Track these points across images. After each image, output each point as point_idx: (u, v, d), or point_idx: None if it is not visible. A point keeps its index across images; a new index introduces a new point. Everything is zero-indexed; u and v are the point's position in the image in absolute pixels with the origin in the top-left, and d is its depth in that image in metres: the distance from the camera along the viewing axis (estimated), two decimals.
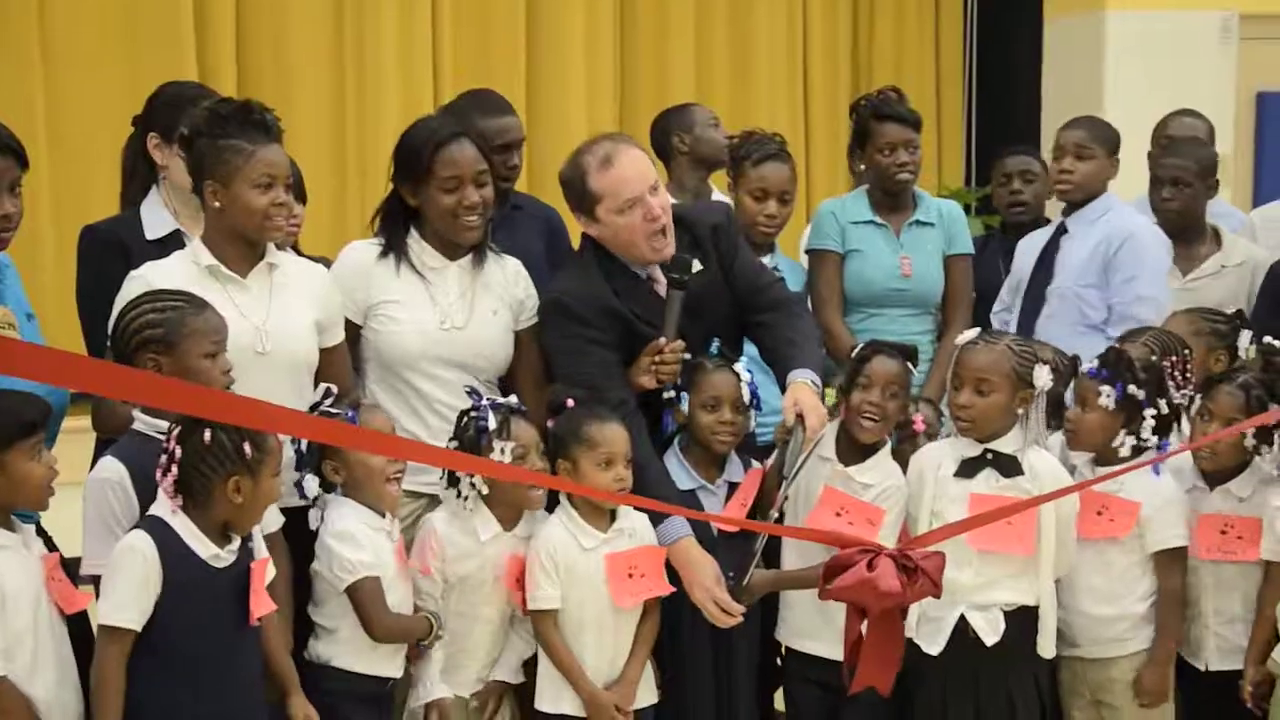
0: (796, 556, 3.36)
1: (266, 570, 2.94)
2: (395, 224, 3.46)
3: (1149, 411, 3.33)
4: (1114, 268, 4.20)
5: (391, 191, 3.48)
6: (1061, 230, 4.33)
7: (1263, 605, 3.36)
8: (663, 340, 3.33)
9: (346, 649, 3.08)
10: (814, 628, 3.36)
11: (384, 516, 3.12)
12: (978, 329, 3.47)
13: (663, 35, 6.73)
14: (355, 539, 3.05)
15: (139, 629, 2.73)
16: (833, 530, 3.17)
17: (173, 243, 3.37)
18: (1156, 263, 4.25)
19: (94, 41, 5.84)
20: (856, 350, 3.41)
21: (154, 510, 2.82)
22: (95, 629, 2.81)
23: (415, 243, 3.43)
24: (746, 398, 3.35)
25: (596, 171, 3.32)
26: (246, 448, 2.79)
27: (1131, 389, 3.32)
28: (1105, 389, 3.32)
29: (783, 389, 3.33)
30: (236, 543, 2.87)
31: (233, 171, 3.11)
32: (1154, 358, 3.45)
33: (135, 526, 2.81)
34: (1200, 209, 4.45)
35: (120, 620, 2.73)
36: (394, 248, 3.43)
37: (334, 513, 3.09)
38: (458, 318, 3.41)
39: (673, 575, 3.25)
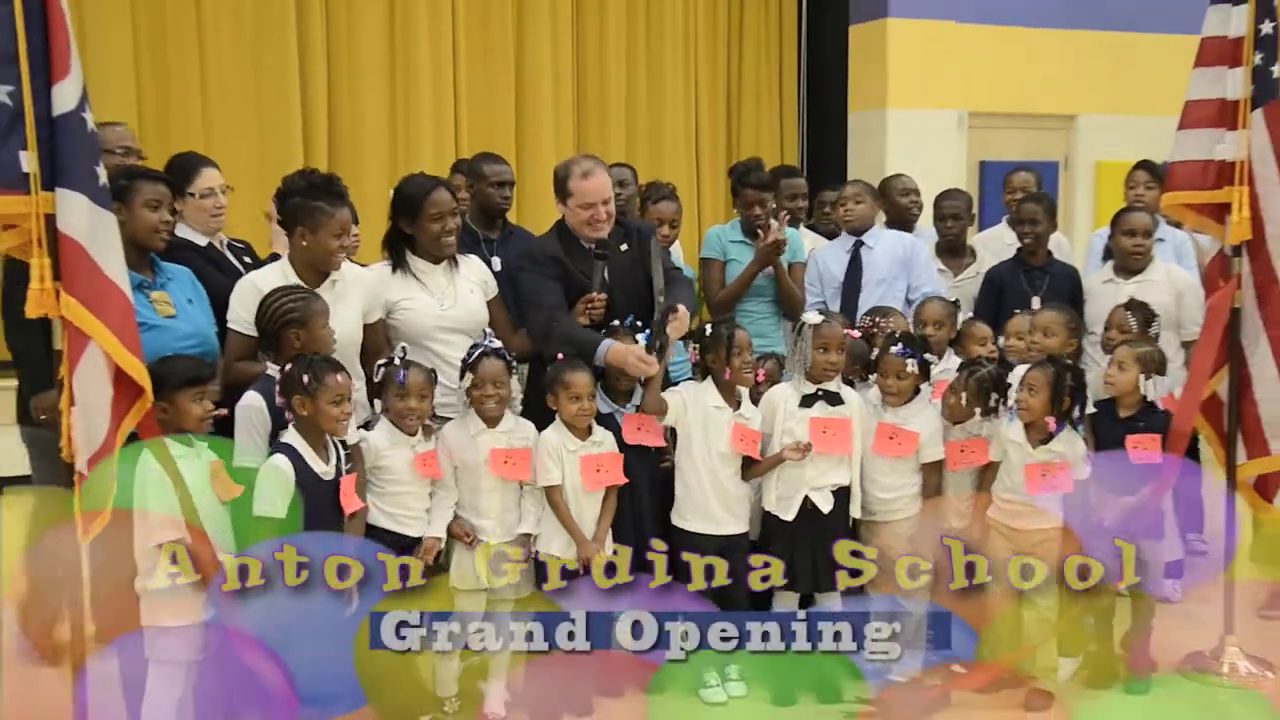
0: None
1: (353, 478, 4.01)
2: (397, 248, 4.66)
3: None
4: (912, 262, 5.80)
5: (391, 226, 4.67)
6: (859, 244, 5.83)
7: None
8: (592, 293, 4.62)
9: (376, 514, 4.13)
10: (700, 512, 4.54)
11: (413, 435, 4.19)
12: (816, 310, 4.92)
13: (603, 120, 9.58)
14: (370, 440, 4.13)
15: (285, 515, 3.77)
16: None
17: None
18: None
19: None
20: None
21: (285, 438, 3.87)
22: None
23: (411, 259, 4.63)
24: None
25: (577, 178, 4.63)
26: (305, 378, 3.82)
27: (927, 356, 4.71)
28: (910, 362, 4.62)
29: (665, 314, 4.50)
30: (333, 461, 3.90)
31: (319, 224, 4.21)
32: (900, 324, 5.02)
33: (276, 449, 3.84)
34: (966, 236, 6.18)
35: (276, 511, 3.75)
36: (399, 264, 4.64)
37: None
38: (449, 300, 4.60)
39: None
